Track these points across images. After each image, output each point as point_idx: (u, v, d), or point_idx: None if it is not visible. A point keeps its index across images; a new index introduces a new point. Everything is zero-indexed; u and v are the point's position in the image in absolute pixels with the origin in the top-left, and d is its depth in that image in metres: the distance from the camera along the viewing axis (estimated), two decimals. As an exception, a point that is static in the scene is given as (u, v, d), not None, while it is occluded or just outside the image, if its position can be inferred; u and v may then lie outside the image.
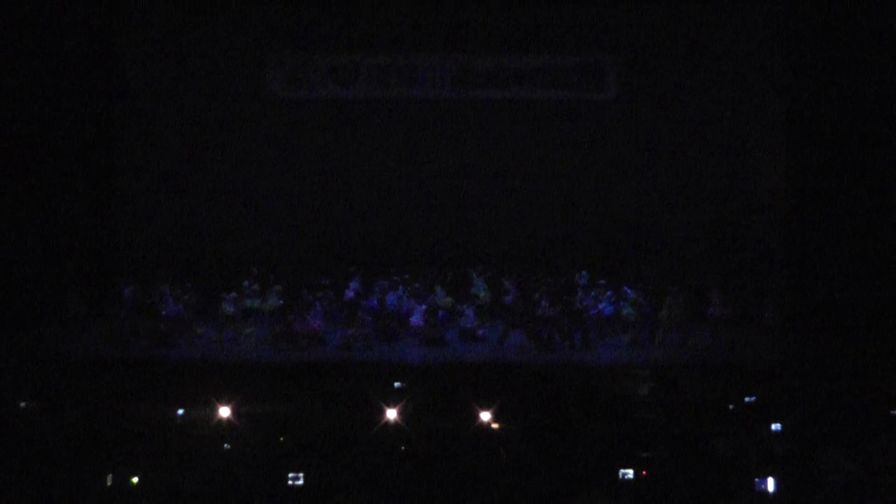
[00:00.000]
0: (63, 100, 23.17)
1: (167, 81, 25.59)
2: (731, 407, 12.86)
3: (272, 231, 25.53)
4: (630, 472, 8.76)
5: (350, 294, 22.38)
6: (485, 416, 11.61)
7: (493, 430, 11.37)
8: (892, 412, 12.69)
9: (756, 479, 8.60)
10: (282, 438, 10.03)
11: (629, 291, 21.28)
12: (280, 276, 22.28)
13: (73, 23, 23.36)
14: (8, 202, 21.82)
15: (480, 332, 21.44)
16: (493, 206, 25.58)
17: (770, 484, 8.62)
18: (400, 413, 11.66)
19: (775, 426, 11.40)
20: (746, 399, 12.78)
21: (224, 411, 11.73)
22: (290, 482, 9.06)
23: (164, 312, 20.62)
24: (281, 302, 21.19)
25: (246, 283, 21.64)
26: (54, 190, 22.87)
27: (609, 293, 21.58)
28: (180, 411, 12.44)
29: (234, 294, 21.00)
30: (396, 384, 14.77)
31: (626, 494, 8.52)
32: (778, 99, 24.61)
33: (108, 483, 8.96)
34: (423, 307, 21.13)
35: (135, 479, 9.00)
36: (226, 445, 10.00)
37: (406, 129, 25.66)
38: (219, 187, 25.62)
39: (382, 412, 11.56)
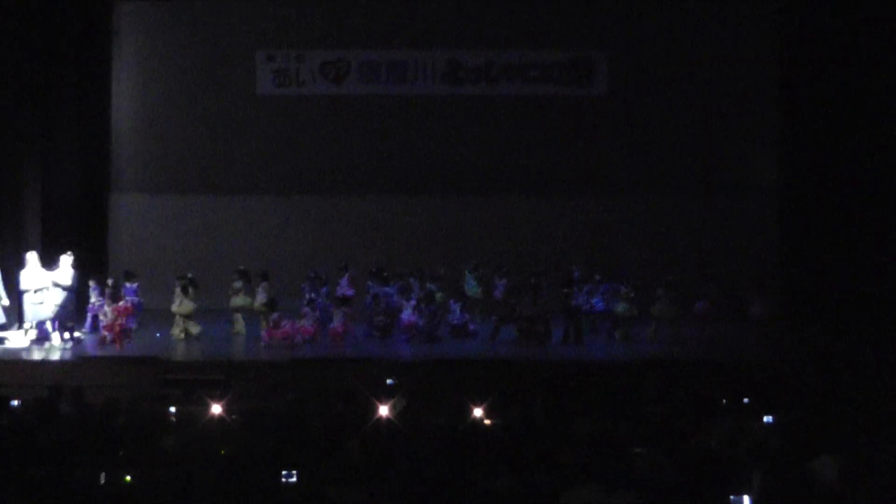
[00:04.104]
0: (56, 99, 23.09)
1: (157, 80, 25.60)
2: (724, 402, 12.88)
3: (264, 228, 25.54)
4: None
5: (341, 290, 22.42)
6: (477, 412, 11.61)
7: (486, 425, 11.37)
8: (885, 409, 12.71)
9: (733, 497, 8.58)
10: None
11: (621, 287, 21.27)
12: (272, 273, 22.21)
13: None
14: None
15: (471, 327, 21.44)
16: (484, 202, 25.60)
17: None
18: (392, 409, 11.65)
19: (767, 418, 11.41)
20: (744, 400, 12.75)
21: (216, 409, 11.72)
22: (283, 479, 9.05)
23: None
24: (268, 299, 21.09)
25: (236, 281, 21.61)
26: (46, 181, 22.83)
27: (602, 288, 21.61)
28: (172, 409, 12.44)
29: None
30: (388, 381, 14.77)
31: (619, 489, 8.52)
32: (769, 93, 24.67)
33: (101, 481, 8.95)
34: (413, 303, 21.09)
35: (128, 478, 8.99)
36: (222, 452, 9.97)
37: (396, 125, 25.66)
38: (209, 185, 25.63)
39: (375, 409, 11.55)
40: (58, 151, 22.97)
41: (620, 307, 20.90)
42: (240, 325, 21.39)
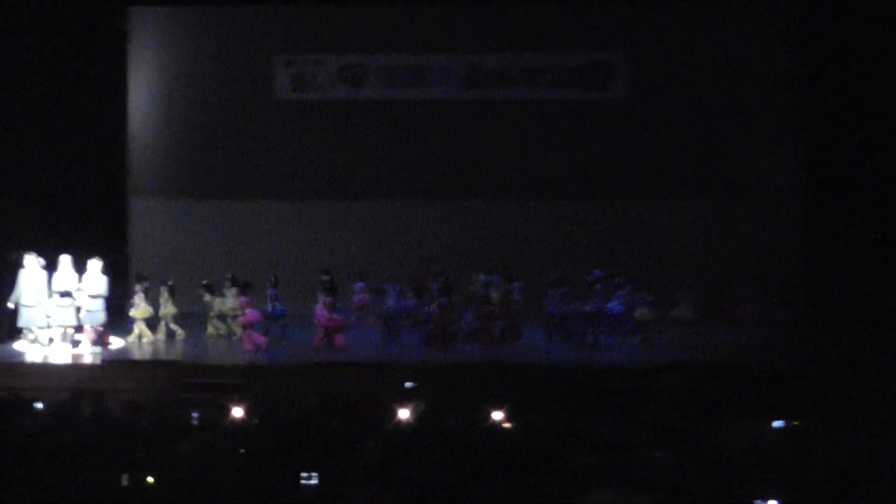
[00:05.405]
0: (73, 109, 23.11)
1: (174, 86, 25.69)
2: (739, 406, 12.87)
3: (282, 233, 25.60)
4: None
5: (358, 297, 22.58)
6: (496, 415, 11.63)
7: (505, 429, 11.39)
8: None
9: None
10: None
11: (636, 290, 21.26)
12: (289, 279, 22.30)
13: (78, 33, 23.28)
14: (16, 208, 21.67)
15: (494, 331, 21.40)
16: (503, 206, 25.64)
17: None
18: (411, 413, 11.68)
19: (777, 423, 11.41)
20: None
21: (237, 412, 11.76)
22: (303, 482, 9.09)
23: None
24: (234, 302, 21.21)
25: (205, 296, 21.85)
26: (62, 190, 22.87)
27: (620, 292, 21.57)
28: (193, 412, 12.48)
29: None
30: (407, 384, 14.80)
31: (638, 493, 8.53)
32: (790, 94, 24.55)
33: (125, 483, 9.01)
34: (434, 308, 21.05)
35: (150, 479, 9.05)
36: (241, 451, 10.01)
37: (415, 130, 25.69)
38: (227, 189, 25.72)
39: (394, 412, 11.58)
40: (75, 156, 23.03)
41: (640, 311, 20.87)
42: (222, 329, 21.78)
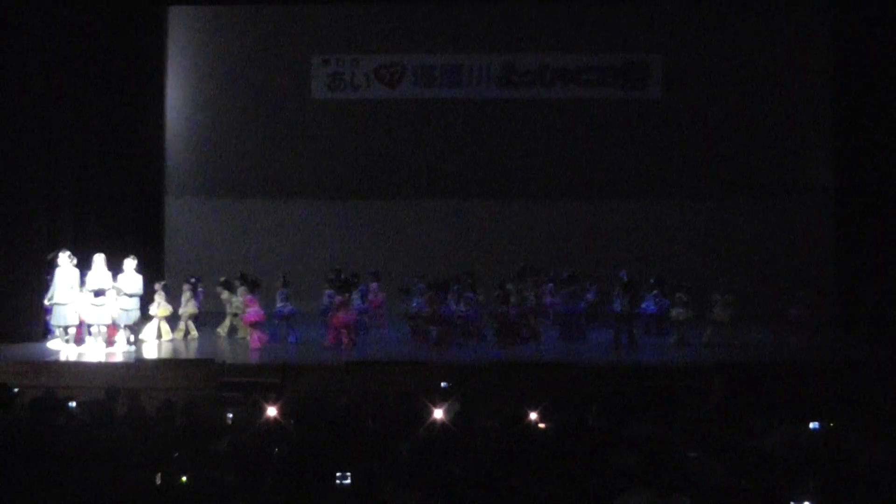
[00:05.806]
0: (110, 110, 23.17)
1: (211, 85, 25.80)
2: (775, 407, 12.76)
3: (318, 231, 25.66)
4: None
5: (372, 296, 22.57)
6: (532, 415, 11.59)
7: (540, 429, 11.35)
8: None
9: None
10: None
11: (670, 290, 21.20)
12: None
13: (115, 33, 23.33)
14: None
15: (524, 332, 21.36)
16: (538, 206, 25.61)
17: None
18: (446, 412, 11.65)
19: (813, 425, 11.32)
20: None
21: (271, 411, 11.76)
22: (337, 481, 9.07)
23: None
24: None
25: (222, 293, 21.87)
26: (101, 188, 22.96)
27: (655, 292, 21.54)
28: (228, 411, 12.49)
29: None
30: (443, 384, 14.77)
31: (674, 494, 8.47)
32: (823, 95, 24.41)
33: (157, 482, 9.02)
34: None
35: (183, 479, 9.05)
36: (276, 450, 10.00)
37: (451, 129, 25.70)
38: (264, 188, 25.81)
39: (429, 411, 11.56)
40: (113, 156, 23.11)
41: (675, 311, 20.76)
42: (223, 327, 21.90)
